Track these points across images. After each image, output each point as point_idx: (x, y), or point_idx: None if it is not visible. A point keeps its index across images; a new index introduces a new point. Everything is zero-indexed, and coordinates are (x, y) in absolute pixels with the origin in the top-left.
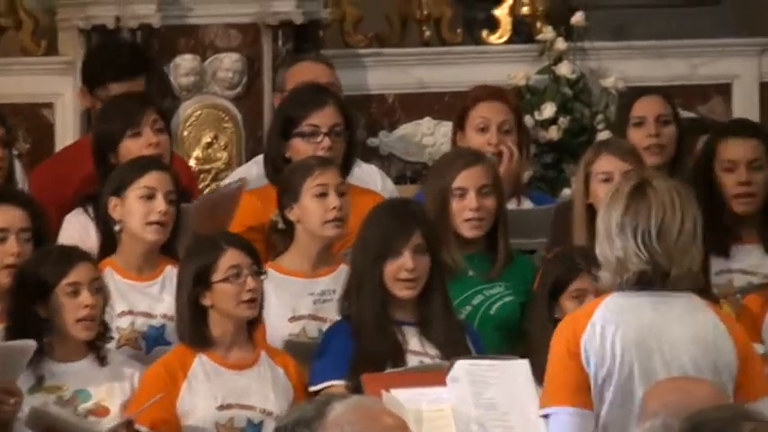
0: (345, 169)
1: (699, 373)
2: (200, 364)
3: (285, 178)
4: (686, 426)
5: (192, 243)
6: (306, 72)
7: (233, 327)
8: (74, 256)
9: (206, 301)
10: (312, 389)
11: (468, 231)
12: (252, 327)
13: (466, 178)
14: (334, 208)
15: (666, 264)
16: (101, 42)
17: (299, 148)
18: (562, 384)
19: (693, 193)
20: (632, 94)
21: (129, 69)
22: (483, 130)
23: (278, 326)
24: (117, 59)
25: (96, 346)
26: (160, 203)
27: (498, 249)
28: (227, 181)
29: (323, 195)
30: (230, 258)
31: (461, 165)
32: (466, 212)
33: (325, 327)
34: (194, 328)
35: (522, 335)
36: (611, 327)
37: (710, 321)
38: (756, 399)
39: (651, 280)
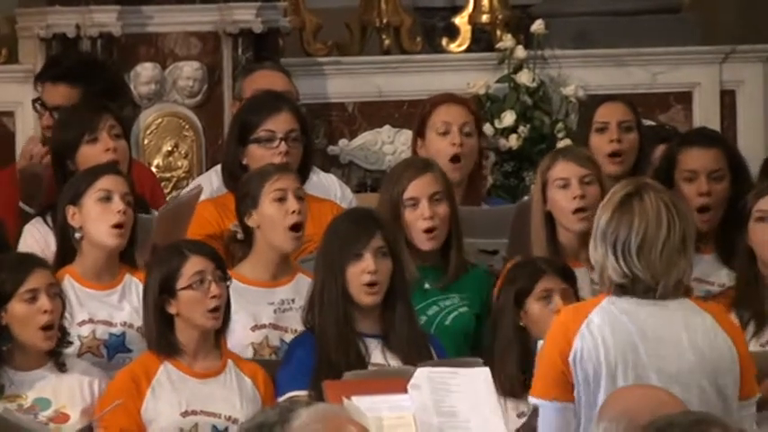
0: (303, 174)
1: (695, 380)
2: (165, 371)
3: (243, 184)
4: (651, 429)
5: (158, 251)
6: (263, 80)
7: (199, 335)
8: (30, 262)
9: (171, 309)
10: (277, 400)
11: (424, 244)
12: (219, 335)
13: (416, 188)
14: (294, 212)
15: (648, 278)
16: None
17: (256, 155)
18: (549, 378)
19: (686, 205)
20: (596, 99)
21: (63, 73)
22: (445, 133)
23: (241, 335)
24: (60, 61)
25: (55, 353)
26: (117, 204)
27: (450, 258)
28: (186, 190)
29: (282, 200)
30: (194, 265)
31: (411, 175)
32: (420, 222)
33: (286, 336)
34: (160, 335)
35: (478, 345)
36: (606, 332)
37: (708, 325)
38: (746, 398)
39: (634, 290)
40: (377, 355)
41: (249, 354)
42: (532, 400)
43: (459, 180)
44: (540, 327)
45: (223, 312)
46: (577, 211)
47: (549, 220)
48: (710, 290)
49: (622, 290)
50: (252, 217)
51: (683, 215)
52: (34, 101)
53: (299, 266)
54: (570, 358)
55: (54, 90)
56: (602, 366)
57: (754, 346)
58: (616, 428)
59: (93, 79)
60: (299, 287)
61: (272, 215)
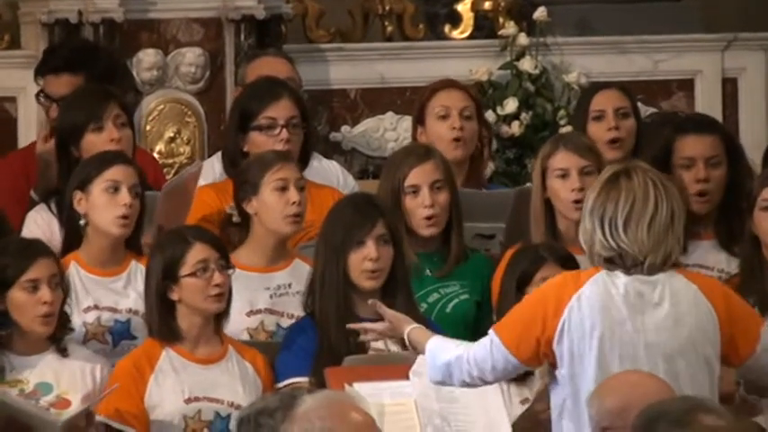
0: (304, 161)
1: (683, 353)
2: (168, 358)
3: (243, 171)
4: (642, 418)
5: (161, 237)
6: (266, 67)
7: (200, 321)
8: (34, 251)
9: (174, 296)
10: (277, 386)
11: (424, 230)
12: (220, 321)
13: (418, 175)
14: (294, 202)
15: (635, 252)
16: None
17: (258, 142)
18: (522, 328)
19: (676, 185)
20: (591, 88)
21: (64, 63)
22: (444, 117)
23: (236, 320)
24: (57, 52)
25: (57, 338)
26: (125, 196)
27: (451, 246)
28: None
29: (283, 189)
30: (198, 253)
31: (412, 162)
32: (421, 210)
33: (282, 320)
34: (162, 321)
35: (478, 332)
36: (595, 306)
37: (692, 296)
38: (749, 356)
39: (623, 264)
40: None
41: (244, 339)
42: (493, 334)
43: (462, 159)
44: None
45: (226, 298)
46: (576, 201)
47: (549, 206)
48: (710, 275)
49: (611, 264)
50: (251, 203)
51: (671, 193)
52: (38, 94)
53: (296, 252)
54: (558, 328)
55: (57, 81)
56: (588, 339)
57: None
58: (590, 411)
59: (93, 64)
60: (296, 272)
61: (272, 204)
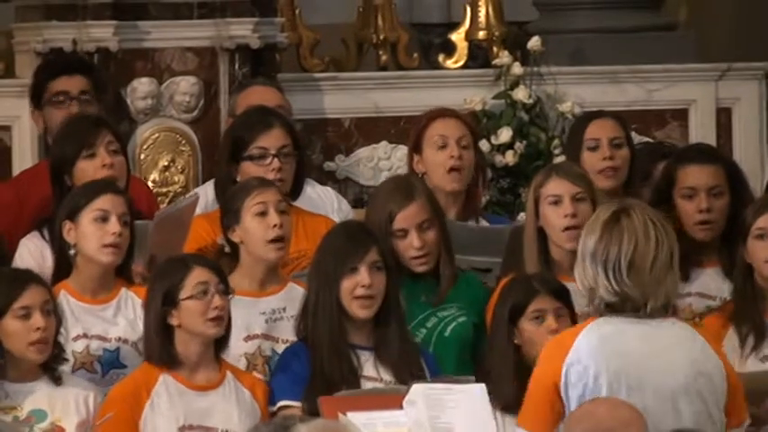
0: (297, 189)
1: (689, 399)
2: (164, 383)
3: (226, 200)
4: None
5: (161, 264)
6: (256, 96)
7: (199, 346)
8: (25, 279)
9: (173, 321)
10: (270, 408)
11: (416, 268)
12: (219, 347)
13: (403, 220)
14: (275, 225)
15: (638, 296)
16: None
17: (250, 171)
18: (537, 410)
19: (671, 224)
20: (584, 117)
21: (63, 66)
22: (442, 146)
23: (233, 345)
24: (51, 61)
25: (50, 367)
26: (114, 226)
27: (441, 276)
28: (183, 199)
29: (263, 214)
30: (197, 276)
31: (395, 206)
32: (411, 251)
33: (278, 346)
34: (161, 346)
35: (478, 355)
36: (597, 356)
37: (700, 346)
38: (738, 425)
39: (623, 309)
40: (369, 367)
41: (242, 364)
42: (519, 431)
43: (459, 191)
44: (533, 347)
45: (225, 323)
46: (568, 228)
47: (542, 235)
48: (712, 305)
49: (612, 309)
50: (235, 232)
51: (669, 233)
52: (54, 94)
53: (290, 276)
54: (561, 384)
55: (72, 80)
56: (594, 389)
57: (753, 360)
58: None
59: (97, 70)
60: (291, 296)
61: (253, 229)
